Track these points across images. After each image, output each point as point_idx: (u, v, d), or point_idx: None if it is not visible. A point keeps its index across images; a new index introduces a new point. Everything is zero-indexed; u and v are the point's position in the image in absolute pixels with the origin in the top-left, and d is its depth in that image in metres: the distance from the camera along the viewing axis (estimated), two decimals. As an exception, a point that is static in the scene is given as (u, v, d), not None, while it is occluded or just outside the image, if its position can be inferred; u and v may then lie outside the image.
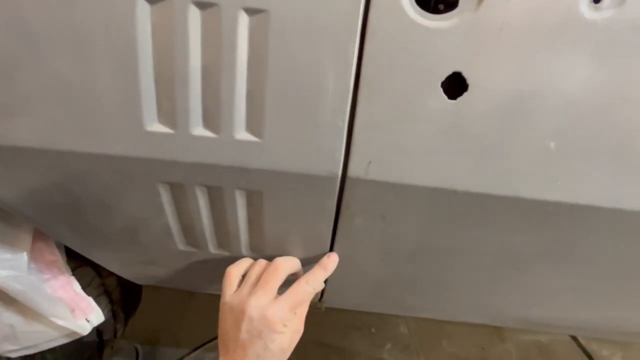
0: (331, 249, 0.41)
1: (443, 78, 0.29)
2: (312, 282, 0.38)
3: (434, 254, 0.40)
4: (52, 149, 0.32)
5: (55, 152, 0.32)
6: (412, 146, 0.31)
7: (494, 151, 0.31)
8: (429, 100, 0.30)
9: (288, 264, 0.39)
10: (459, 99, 0.30)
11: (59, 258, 0.53)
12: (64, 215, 0.41)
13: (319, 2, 0.28)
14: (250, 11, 0.28)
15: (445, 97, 0.30)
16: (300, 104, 0.30)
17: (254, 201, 0.36)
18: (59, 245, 0.54)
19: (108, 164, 0.33)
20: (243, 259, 0.41)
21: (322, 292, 0.52)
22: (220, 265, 0.45)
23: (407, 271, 0.44)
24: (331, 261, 0.40)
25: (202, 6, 0.28)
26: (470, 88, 0.29)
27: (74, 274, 0.56)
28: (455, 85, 0.30)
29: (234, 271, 0.40)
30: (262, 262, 0.40)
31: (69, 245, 0.49)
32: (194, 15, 0.28)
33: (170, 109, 0.31)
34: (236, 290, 0.39)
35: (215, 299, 0.43)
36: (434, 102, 0.30)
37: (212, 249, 0.43)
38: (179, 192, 0.36)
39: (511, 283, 0.44)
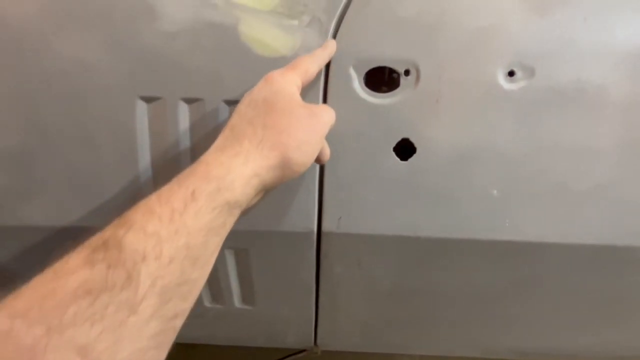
0: (317, 296, 0.45)
1: (394, 144, 0.35)
2: (316, 58, 0.31)
3: (411, 294, 0.43)
4: (64, 226, 0.37)
5: (66, 228, 0.37)
6: (375, 202, 0.36)
7: (445, 201, 0.36)
8: (384, 163, 0.35)
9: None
10: (410, 159, 0.35)
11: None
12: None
13: (285, 91, 0.34)
14: (230, 102, 0.34)
15: (398, 159, 0.35)
16: (276, 173, 0.35)
17: (242, 258, 0.40)
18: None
19: (111, 235, 0.37)
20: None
21: (316, 336, 0.54)
22: (216, 318, 0.48)
23: (390, 311, 0.46)
24: (330, 43, 0.33)
25: (189, 101, 0.34)
26: (418, 150, 0.35)
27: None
28: (405, 149, 0.35)
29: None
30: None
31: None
32: (183, 109, 0.34)
33: (164, 185, 0.36)
34: None
35: (215, 350, 0.43)
36: (388, 164, 0.35)
37: (208, 303, 0.47)
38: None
39: (492, 317, 0.47)
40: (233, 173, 0.24)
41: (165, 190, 0.23)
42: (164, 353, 0.20)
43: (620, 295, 0.40)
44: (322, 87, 0.35)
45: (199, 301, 0.46)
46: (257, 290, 0.44)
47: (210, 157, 0.25)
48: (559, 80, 0.33)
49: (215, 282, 0.44)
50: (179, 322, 0.21)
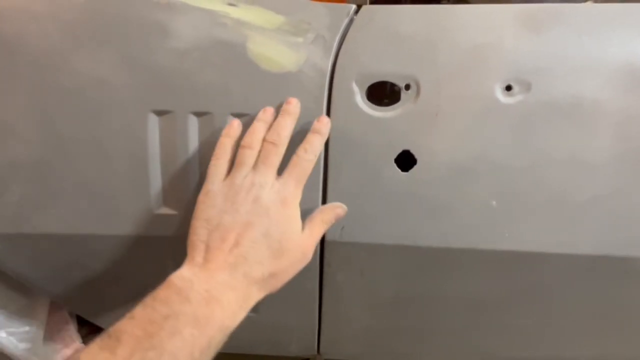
0: (320, 304, 0.45)
1: (395, 155, 0.36)
2: (311, 149, 0.33)
3: (412, 303, 0.44)
4: (76, 233, 0.38)
5: (79, 236, 0.38)
6: (377, 212, 0.37)
7: (445, 211, 0.36)
8: (386, 174, 0.36)
9: (287, 131, 0.33)
10: (411, 171, 0.36)
11: (71, 327, 0.56)
12: (80, 289, 0.46)
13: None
14: (237, 115, 0.36)
15: (399, 170, 0.36)
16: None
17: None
18: (70, 314, 0.58)
19: (123, 243, 0.39)
20: (232, 124, 0.34)
21: (319, 344, 0.55)
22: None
23: (392, 320, 0.47)
24: (323, 124, 0.34)
25: (198, 114, 0.36)
26: (418, 162, 0.36)
27: (83, 342, 0.59)
28: (406, 160, 0.36)
29: (226, 143, 0.33)
30: (257, 133, 0.33)
31: (81, 314, 0.53)
32: (193, 122, 0.36)
33: (174, 195, 0.37)
34: (227, 175, 0.32)
35: (217, 357, 0.44)
36: (390, 175, 0.36)
37: (213, 310, 0.47)
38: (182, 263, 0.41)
39: (492, 326, 0.47)
40: (239, 317, 0.30)
41: (190, 334, 0.27)
42: None
43: (618, 305, 0.40)
44: (325, 101, 0.36)
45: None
46: (261, 299, 0.45)
47: (226, 300, 0.29)
48: (555, 94, 0.35)
49: (220, 290, 0.45)
50: None
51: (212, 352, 0.28)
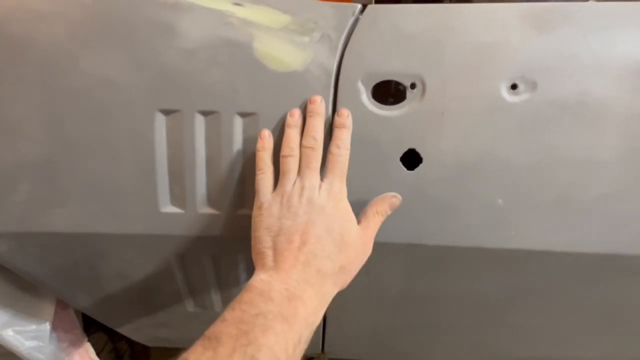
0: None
1: (401, 154, 0.36)
2: (342, 144, 0.34)
3: (418, 302, 0.44)
4: (84, 232, 0.38)
5: (86, 235, 0.38)
6: (383, 210, 0.37)
7: (451, 210, 0.37)
8: (391, 172, 0.36)
9: (321, 132, 0.34)
10: (416, 169, 0.36)
11: (77, 326, 0.57)
12: (87, 287, 0.46)
13: (297, 103, 0.36)
14: (243, 114, 0.36)
15: (405, 168, 0.36)
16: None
17: (253, 266, 0.41)
18: (76, 312, 0.58)
19: (129, 242, 0.39)
20: (263, 135, 0.35)
21: (323, 342, 0.55)
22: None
23: (398, 319, 0.47)
24: (345, 117, 0.34)
25: (205, 114, 0.36)
26: (424, 160, 0.36)
27: (89, 340, 0.60)
28: (412, 159, 0.36)
29: (265, 156, 0.34)
30: (292, 141, 0.34)
31: (87, 313, 0.54)
32: (199, 121, 0.36)
33: (180, 193, 0.37)
34: (274, 188, 0.33)
35: None
36: (396, 173, 0.36)
37: (218, 309, 0.48)
38: (188, 262, 0.42)
39: (497, 325, 0.47)
40: (320, 313, 0.31)
41: (281, 329, 0.28)
42: None
43: (624, 304, 0.40)
44: (331, 100, 0.36)
45: (210, 307, 0.48)
46: (267, 297, 0.45)
47: (306, 296, 0.30)
48: (561, 93, 0.35)
49: (225, 289, 0.45)
50: None
51: (303, 347, 0.29)
